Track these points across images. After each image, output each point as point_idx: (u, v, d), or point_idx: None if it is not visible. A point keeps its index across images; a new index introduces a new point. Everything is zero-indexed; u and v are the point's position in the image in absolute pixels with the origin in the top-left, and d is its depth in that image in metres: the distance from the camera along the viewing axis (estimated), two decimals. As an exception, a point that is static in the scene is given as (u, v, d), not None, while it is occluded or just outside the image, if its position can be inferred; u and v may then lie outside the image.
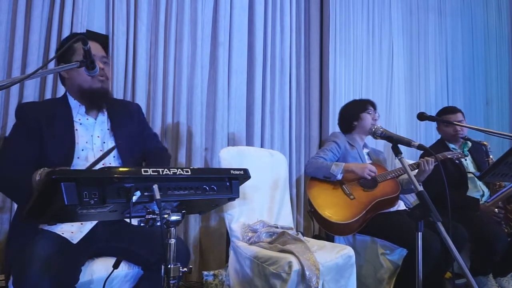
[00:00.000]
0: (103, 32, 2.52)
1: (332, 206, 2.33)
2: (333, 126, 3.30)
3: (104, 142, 1.69)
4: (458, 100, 4.17)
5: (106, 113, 1.75)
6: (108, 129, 1.72)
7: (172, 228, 1.20)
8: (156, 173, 1.12)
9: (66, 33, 2.27)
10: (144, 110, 2.56)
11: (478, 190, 2.78)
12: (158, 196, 1.09)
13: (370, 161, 2.64)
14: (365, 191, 2.38)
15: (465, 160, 2.80)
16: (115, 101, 1.85)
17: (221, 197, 1.29)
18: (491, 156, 2.75)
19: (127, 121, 1.79)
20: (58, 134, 1.58)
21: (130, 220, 1.16)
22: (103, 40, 2.48)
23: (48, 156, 1.54)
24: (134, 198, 1.09)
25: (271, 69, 3.16)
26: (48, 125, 1.57)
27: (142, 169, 1.11)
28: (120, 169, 1.11)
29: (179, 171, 1.17)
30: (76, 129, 1.64)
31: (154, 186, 1.11)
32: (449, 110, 2.97)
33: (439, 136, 3.06)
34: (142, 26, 2.59)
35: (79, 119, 1.67)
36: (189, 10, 2.78)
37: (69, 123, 1.63)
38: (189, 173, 1.18)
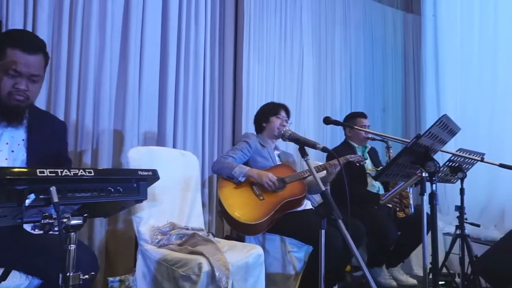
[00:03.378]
0: (-5, 16, 2.27)
1: (242, 206, 2.36)
2: (246, 126, 3.35)
3: (12, 151, 1.53)
4: (359, 106, 4.51)
5: (25, 123, 1.59)
6: (23, 140, 1.57)
7: (72, 233, 1.11)
8: (54, 174, 1.03)
9: None
10: (43, 105, 2.37)
11: (374, 186, 3.07)
12: (56, 199, 1.01)
13: (280, 162, 2.73)
14: (274, 192, 2.45)
15: (365, 163, 3.05)
16: (40, 113, 1.69)
17: (128, 199, 1.24)
18: (391, 151, 3.04)
19: (48, 138, 1.65)
20: None
21: (22, 226, 1.06)
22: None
23: None
24: (28, 202, 0.99)
25: (184, 67, 3.11)
26: None
27: (38, 170, 1.01)
28: (12, 169, 1.01)
29: (81, 172, 1.09)
30: None
31: (51, 188, 1.02)
32: (361, 115, 3.26)
33: (343, 139, 3.31)
34: (42, 13, 2.38)
35: None
36: (98, -2, 2.63)
37: None
38: (92, 174, 1.11)
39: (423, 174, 1.79)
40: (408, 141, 1.77)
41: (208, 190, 3.18)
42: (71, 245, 1.10)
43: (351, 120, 3.19)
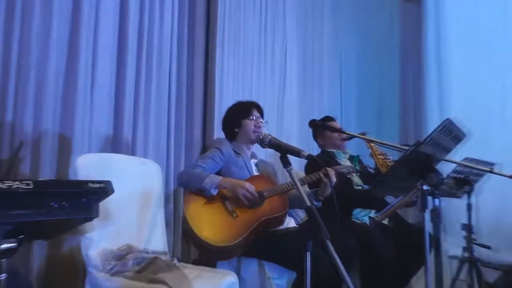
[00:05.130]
0: None
1: (211, 226, 2.34)
2: (219, 130, 3.31)
3: None
4: (351, 108, 4.58)
5: None
6: None
7: (3, 260, 1.08)
8: (-18, 187, 1.01)
9: None
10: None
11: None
12: (-18, 218, 0.98)
13: (258, 173, 2.74)
14: (251, 208, 2.44)
15: (357, 174, 3.07)
16: None
17: (75, 217, 1.23)
18: (372, 144, 3.05)
19: None
20: None
21: None
22: None
23: None
24: None
25: (146, 61, 3.07)
26: None
27: (-39, 181, 0.99)
28: None
29: (16, 184, 1.06)
30: None
31: (-23, 205, 0.99)
32: (329, 119, 3.34)
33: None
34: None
35: None
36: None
37: None
38: (31, 186, 1.09)
39: (424, 187, 1.82)
40: (406, 148, 1.80)
41: (173, 206, 3.14)
42: (2, 275, 1.07)
43: (321, 129, 3.24)
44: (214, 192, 2.41)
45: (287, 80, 3.98)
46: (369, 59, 4.84)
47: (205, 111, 3.50)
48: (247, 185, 2.41)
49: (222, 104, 3.45)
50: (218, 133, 3.35)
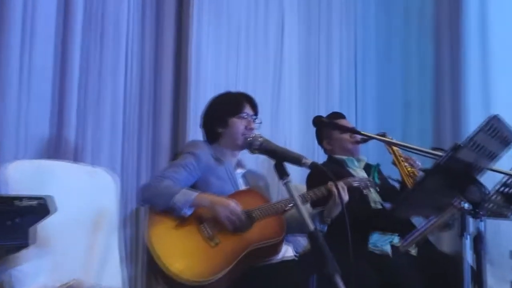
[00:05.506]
0: None
1: (184, 256, 2.36)
2: (195, 130, 3.33)
3: None
4: (369, 100, 4.61)
5: None
6: None
7: None
8: None
9: None
10: None
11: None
12: None
13: (246, 187, 2.76)
14: (236, 233, 2.45)
15: (376, 189, 3.09)
16: None
17: (4, 244, 1.24)
18: (395, 148, 3.07)
19: None
20: None
21: None
22: None
23: None
24: None
25: (100, 40, 3.10)
26: None
27: None
28: None
29: None
30: None
31: None
32: (337, 116, 3.35)
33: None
34: None
35: None
36: None
37: None
38: None
39: (463, 205, 1.84)
40: (441, 154, 1.82)
41: (135, 230, 3.16)
42: None
43: (327, 129, 3.25)
44: (188, 212, 2.43)
45: (285, 65, 4.00)
46: (394, 38, 4.87)
47: (178, 105, 3.51)
48: (232, 204, 2.43)
49: (198, 97, 3.45)
50: (193, 134, 3.35)
